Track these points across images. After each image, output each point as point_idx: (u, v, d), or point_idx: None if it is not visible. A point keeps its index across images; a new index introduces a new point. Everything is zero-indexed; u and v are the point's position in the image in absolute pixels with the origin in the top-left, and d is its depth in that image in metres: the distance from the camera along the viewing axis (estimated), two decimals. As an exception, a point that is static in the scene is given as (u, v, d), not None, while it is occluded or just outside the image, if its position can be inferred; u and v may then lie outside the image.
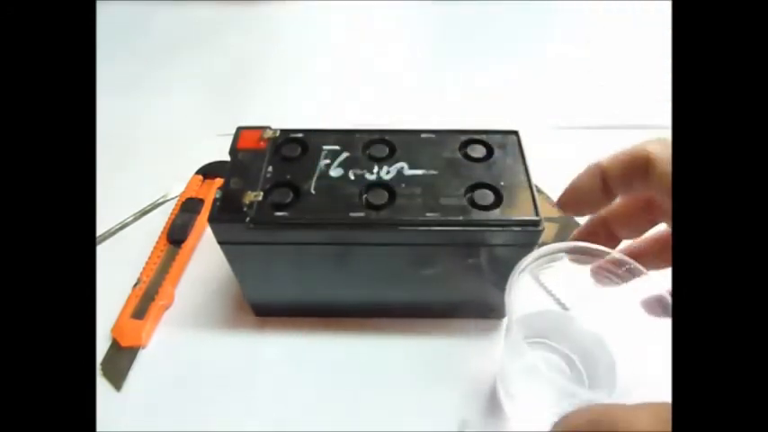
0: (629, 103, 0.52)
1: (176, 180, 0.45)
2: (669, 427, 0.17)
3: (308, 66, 0.59)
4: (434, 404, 0.32)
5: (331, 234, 0.28)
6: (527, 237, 0.28)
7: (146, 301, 0.36)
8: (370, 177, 0.30)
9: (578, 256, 0.27)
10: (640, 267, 0.26)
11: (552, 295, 0.33)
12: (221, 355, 0.34)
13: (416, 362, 0.34)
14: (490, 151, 0.31)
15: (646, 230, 0.27)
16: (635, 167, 0.23)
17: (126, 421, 0.31)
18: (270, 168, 0.30)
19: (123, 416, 0.31)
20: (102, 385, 0.33)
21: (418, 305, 0.35)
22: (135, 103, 0.54)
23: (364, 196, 0.29)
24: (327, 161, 0.31)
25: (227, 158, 0.31)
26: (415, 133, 0.32)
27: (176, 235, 0.40)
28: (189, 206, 0.42)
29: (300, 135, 0.32)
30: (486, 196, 0.29)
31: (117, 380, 0.33)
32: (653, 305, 0.26)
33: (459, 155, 0.31)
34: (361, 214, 0.28)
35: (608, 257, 0.27)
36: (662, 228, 0.27)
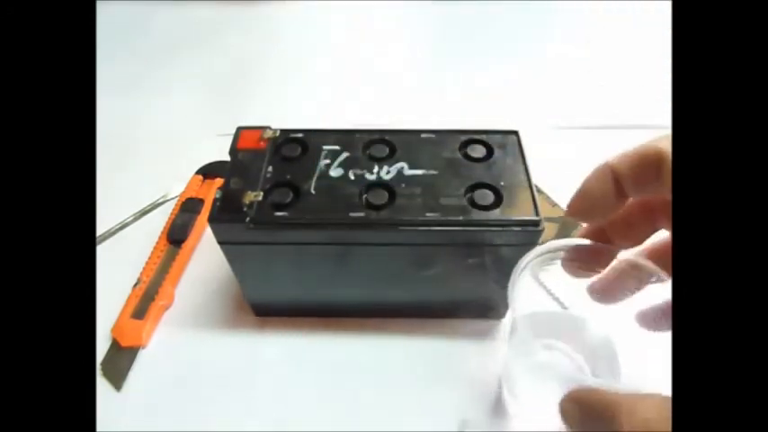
0: (629, 103, 0.52)
1: (176, 180, 0.45)
2: (670, 421, 0.17)
3: (308, 66, 0.59)
4: (434, 404, 0.32)
5: (331, 234, 0.28)
6: (527, 237, 0.28)
7: (146, 301, 0.36)
8: (370, 177, 0.30)
9: (581, 259, 0.26)
10: (661, 272, 0.24)
11: (552, 294, 0.33)
12: (221, 355, 0.34)
13: (416, 362, 0.34)
14: (490, 151, 0.31)
15: (645, 238, 0.26)
16: (647, 166, 0.22)
17: (126, 421, 0.31)
18: (270, 168, 0.30)
19: (123, 416, 0.31)
20: (102, 385, 0.33)
21: (418, 305, 0.35)
22: (135, 103, 0.54)
23: (364, 196, 0.29)
24: (327, 161, 0.31)
25: (227, 158, 0.31)
26: (415, 133, 0.32)
27: (176, 235, 0.40)
28: (189, 206, 0.42)
29: (300, 135, 0.32)
30: (486, 196, 0.29)
31: (117, 380, 0.33)
32: (648, 318, 0.26)
33: (459, 155, 0.31)
34: (361, 214, 0.28)
35: (624, 260, 0.26)
36: (663, 235, 0.27)
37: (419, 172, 0.30)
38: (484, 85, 0.56)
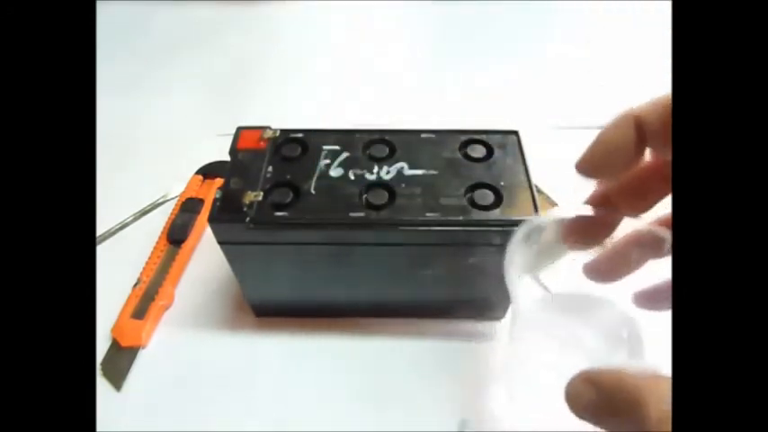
0: (630, 103, 0.52)
1: (176, 180, 0.45)
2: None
3: (308, 66, 0.59)
4: (434, 404, 0.32)
5: (331, 234, 0.28)
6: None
7: (146, 301, 0.36)
8: (370, 177, 0.30)
9: (582, 229, 0.24)
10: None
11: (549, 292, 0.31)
12: (221, 355, 0.34)
13: (416, 362, 0.34)
14: (490, 151, 0.31)
15: (653, 205, 0.23)
16: None
17: (126, 421, 0.31)
18: (270, 168, 0.30)
19: (123, 416, 0.31)
20: (102, 385, 0.33)
21: (418, 305, 0.35)
22: (135, 103, 0.54)
23: (364, 196, 0.29)
24: (327, 161, 0.31)
25: (227, 158, 0.31)
26: (415, 133, 0.32)
27: (176, 235, 0.40)
28: (189, 206, 0.42)
29: (300, 135, 0.32)
30: (486, 196, 0.29)
31: (117, 380, 0.33)
32: (648, 297, 0.24)
33: (459, 155, 0.31)
34: (361, 214, 0.28)
35: (639, 230, 0.23)
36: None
37: (419, 172, 0.30)
38: (484, 85, 0.56)
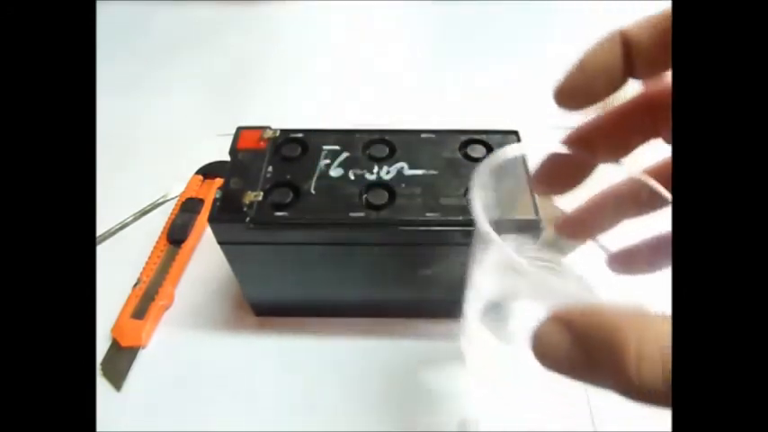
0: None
1: (176, 180, 0.45)
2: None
3: (308, 66, 0.59)
4: (434, 404, 0.32)
5: (331, 234, 0.28)
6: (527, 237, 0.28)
7: (146, 301, 0.36)
8: (370, 177, 0.30)
9: (554, 173, 0.21)
10: (665, 193, 0.19)
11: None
12: (221, 355, 0.34)
13: (416, 362, 0.34)
14: (490, 151, 0.31)
15: (632, 150, 0.21)
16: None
17: (126, 421, 0.31)
18: (270, 168, 0.30)
19: (123, 416, 0.31)
20: (102, 385, 0.33)
21: (418, 305, 0.35)
22: (135, 103, 0.54)
23: (364, 196, 0.29)
24: (327, 161, 0.31)
25: (228, 158, 0.31)
26: (415, 133, 0.32)
27: (176, 235, 0.40)
28: (189, 206, 0.42)
29: (300, 135, 0.32)
30: (486, 196, 0.29)
31: (117, 380, 0.33)
32: (623, 260, 0.21)
33: (459, 155, 0.31)
34: (361, 214, 0.28)
35: (627, 179, 0.20)
36: (656, 147, 0.21)
37: (419, 172, 0.30)
38: (484, 85, 0.55)
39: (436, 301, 0.34)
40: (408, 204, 0.28)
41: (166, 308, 0.37)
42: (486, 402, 0.30)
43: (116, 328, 0.35)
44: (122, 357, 0.34)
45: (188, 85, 0.57)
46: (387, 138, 0.32)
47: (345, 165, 0.31)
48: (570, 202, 0.23)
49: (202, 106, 0.54)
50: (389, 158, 0.31)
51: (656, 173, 0.20)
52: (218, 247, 0.30)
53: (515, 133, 0.33)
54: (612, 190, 0.21)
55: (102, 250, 0.40)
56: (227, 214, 0.28)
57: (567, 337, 0.14)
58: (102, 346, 0.34)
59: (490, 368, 0.27)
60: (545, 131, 0.48)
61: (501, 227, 0.21)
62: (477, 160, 0.31)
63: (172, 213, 0.42)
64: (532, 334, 0.15)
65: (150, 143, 0.49)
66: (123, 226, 0.42)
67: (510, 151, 0.22)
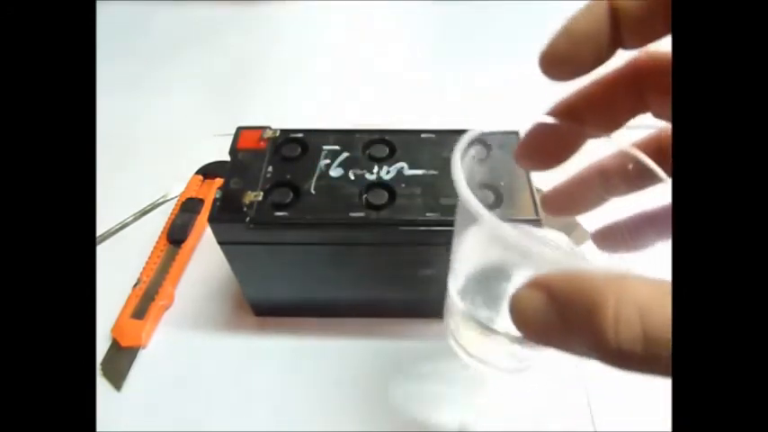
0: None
1: (176, 180, 0.45)
2: (669, 307, 0.12)
3: (308, 66, 0.59)
4: (434, 404, 0.32)
5: (331, 234, 0.28)
6: (527, 237, 0.28)
7: (146, 301, 0.36)
8: (370, 177, 0.30)
9: (540, 146, 0.20)
10: (656, 169, 0.18)
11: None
12: (221, 355, 0.34)
13: (416, 362, 0.34)
14: (490, 151, 0.31)
15: (622, 124, 0.20)
16: (663, 4, 0.16)
17: (126, 421, 0.31)
18: (270, 168, 0.30)
19: (123, 416, 0.32)
20: (102, 385, 0.33)
21: (418, 305, 0.35)
22: (135, 103, 0.54)
23: (364, 196, 0.29)
24: (327, 161, 0.31)
25: (227, 158, 0.31)
26: (415, 133, 0.32)
27: (176, 235, 0.40)
28: (189, 206, 0.42)
29: (300, 135, 0.32)
30: (487, 196, 0.29)
31: (117, 380, 0.33)
32: (611, 237, 0.20)
33: (459, 155, 0.31)
34: (361, 214, 0.28)
35: (616, 153, 0.19)
36: (648, 121, 0.20)
37: (419, 172, 0.30)
38: (484, 85, 0.55)
39: (436, 301, 0.34)
40: (408, 204, 0.28)
41: (166, 308, 0.37)
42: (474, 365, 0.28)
43: (116, 328, 0.35)
44: (122, 357, 0.34)
45: (188, 85, 0.57)
46: (387, 138, 0.32)
47: (345, 165, 0.31)
48: (557, 178, 0.22)
49: (202, 106, 0.54)
50: (389, 158, 0.31)
51: (644, 146, 0.20)
52: (218, 247, 0.30)
53: (515, 133, 0.32)
54: (600, 164, 0.20)
55: (102, 250, 0.40)
56: (227, 214, 0.28)
57: (545, 300, 0.14)
58: (102, 346, 0.34)
59: (477, 345, 0.26)
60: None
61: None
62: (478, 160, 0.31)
63: (172, 213, 0.42)
64: (510, 299, 0.14)
65: (150, 143, 0.49)
66: (123, 226, 0.42)
67: (498, 125, 0.21)
